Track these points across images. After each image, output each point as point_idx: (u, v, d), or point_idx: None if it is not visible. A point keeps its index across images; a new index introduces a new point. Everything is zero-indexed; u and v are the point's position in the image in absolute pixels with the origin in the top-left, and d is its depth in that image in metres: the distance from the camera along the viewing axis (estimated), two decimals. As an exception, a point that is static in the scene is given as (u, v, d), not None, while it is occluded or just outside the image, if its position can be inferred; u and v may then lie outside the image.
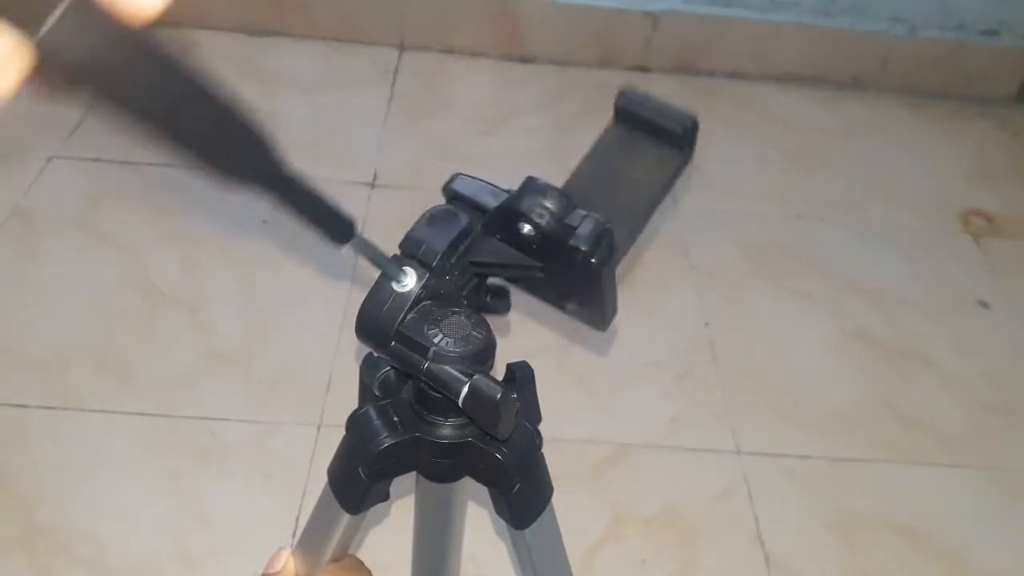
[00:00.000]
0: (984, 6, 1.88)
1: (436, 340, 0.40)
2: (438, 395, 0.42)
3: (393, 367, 0.46)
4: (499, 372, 0.46)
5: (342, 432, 0.48)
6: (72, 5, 0.24)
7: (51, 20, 0.24)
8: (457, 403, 0.40)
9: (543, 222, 0.40)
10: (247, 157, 0.33)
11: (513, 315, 0.47)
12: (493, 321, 0.43)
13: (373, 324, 0.41)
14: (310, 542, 0.53)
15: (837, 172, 1.74)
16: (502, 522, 0.50)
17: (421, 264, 0.41)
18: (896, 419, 1.27)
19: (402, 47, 1.91)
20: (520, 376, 0.49)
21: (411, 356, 0.41)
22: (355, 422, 0.47)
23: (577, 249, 0.40)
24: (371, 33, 1.89)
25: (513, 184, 0.43)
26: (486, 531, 1.03)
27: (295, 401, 1.19)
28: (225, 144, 0.32)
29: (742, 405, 1.26)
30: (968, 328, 1.43)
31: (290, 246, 1.40)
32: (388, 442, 0.45)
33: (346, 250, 0.37)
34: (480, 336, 0.41)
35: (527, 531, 0.49)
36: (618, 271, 0.43)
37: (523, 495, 0.47)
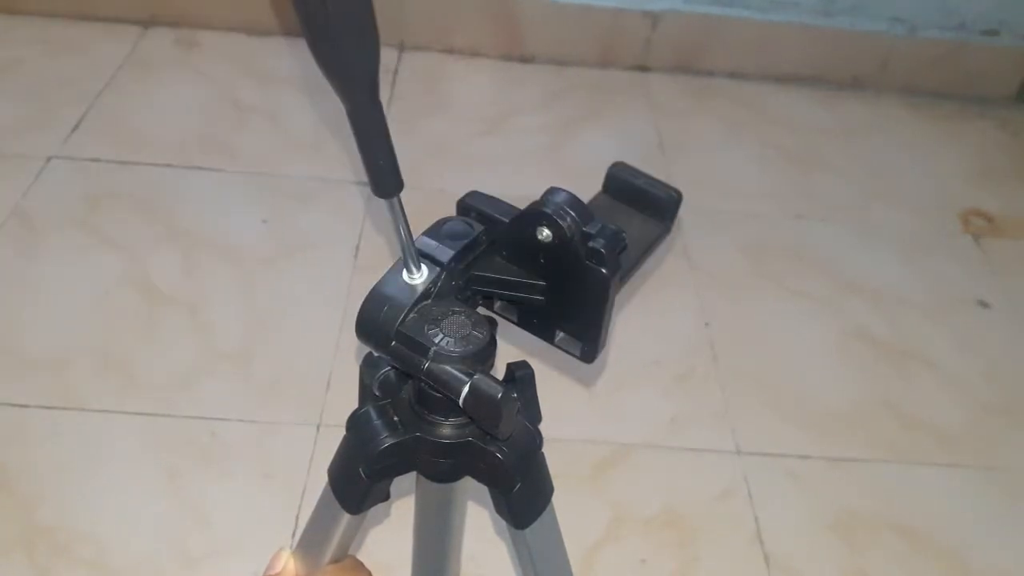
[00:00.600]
0: (984, 6, 1.88)
1: (436, 340, 0.40)
2: (438, 395, 0.43)
3: (393, 367, 0.46)
4: (499, 372, 0.46)
5: (342, 432, 0.48)
6: None
7: None
8: (457, 403, 0.40)
9: (565, 224, 0.41)
10: (355, 65, 0.35)
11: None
12: (493, 321, 0.43)
13: (373, 324, 0.41)
14: (310, 542, 0.53)
15: (837, 172, 1.74)
16: (502, 522, 0.50)
17: (434, 263, 0.42)
18: (896, 419, 1.27)
19: (402, 47, 1.91)
20: (520, 376, 0.49)
21: (411, 356, 0.41)
22: (355, 422, 0.47)
23: (596, 251, 0.41)
24: (371, 33, 1.89)
25: (515, 187, 0.43)
26: (486, 531, 1.03)
27: (295, 401, 1.19)
28: (346, 43, 0.34)
29: (742, 405, 1.26)
30: (968, 328, 1.43)
31: (290, 246, 1.41)
32: (388, 442, 0.45)
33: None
34: (481, 336, 0.41)
35: (527, 531, 0.49)
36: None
37: (523, 495, 0.47)
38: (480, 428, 0.44)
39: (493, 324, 0.46)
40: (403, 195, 0.40)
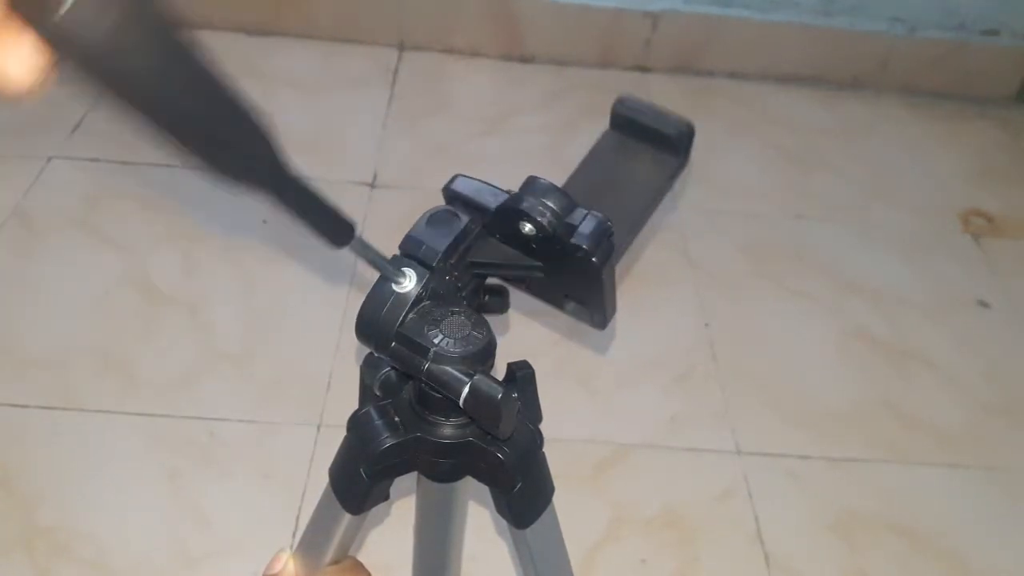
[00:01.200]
0: (984, 6, 1.88)
1: (436, 341, 0.40)
2: (439, 395, 0.42)
3: (393, 367, 0.46)
4: (499, 372, 0.46)
5: (342, 432, 0.48)
6: None
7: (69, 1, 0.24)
8: (458, 403, 0.40)
9: (544, 220, 0.40)
10: (249, 157, 0.33)
11: (513, 314, 0.47)
12: (492, 320, 0.43)
13: (373, 325, 0.41)
14: (311, 543, 0.53)
15: (837, 172, 1.74)
16: (503, 522, 0.50)
17: (421, 264, 0.41)
18: (896, 419, 1.27)
19: (402, 47, 1.91)
20: (520, 376, 0.49)
21: (412, 357, 0.41)
22: (356, 422, 0.47)
23: (578, 247, 0.40)
24: (371, 33, 1.89)
25: (513, 185, 0.43)
26: (487, 531, 1.03)
27: (295, 401, 1.19)
28: (228, 142, 0.32)
29: (742, 405, 1.26)
30: (968, 328, 1.43)
31: (290, 246, 1.40)
32: (389, 442, 0.45)
33: (346, 252, 0.37)
34: (480, 336, 0.41)
35: (528, 530, 0.49)
36: (617, 270, 0.43)
37: (524, 494, 0.47)
38: (481, 428, 0.44)
39: (503, 291, 0.45)
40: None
